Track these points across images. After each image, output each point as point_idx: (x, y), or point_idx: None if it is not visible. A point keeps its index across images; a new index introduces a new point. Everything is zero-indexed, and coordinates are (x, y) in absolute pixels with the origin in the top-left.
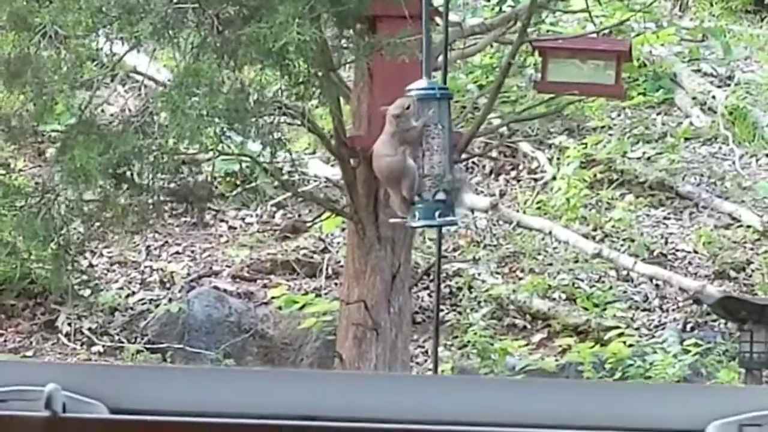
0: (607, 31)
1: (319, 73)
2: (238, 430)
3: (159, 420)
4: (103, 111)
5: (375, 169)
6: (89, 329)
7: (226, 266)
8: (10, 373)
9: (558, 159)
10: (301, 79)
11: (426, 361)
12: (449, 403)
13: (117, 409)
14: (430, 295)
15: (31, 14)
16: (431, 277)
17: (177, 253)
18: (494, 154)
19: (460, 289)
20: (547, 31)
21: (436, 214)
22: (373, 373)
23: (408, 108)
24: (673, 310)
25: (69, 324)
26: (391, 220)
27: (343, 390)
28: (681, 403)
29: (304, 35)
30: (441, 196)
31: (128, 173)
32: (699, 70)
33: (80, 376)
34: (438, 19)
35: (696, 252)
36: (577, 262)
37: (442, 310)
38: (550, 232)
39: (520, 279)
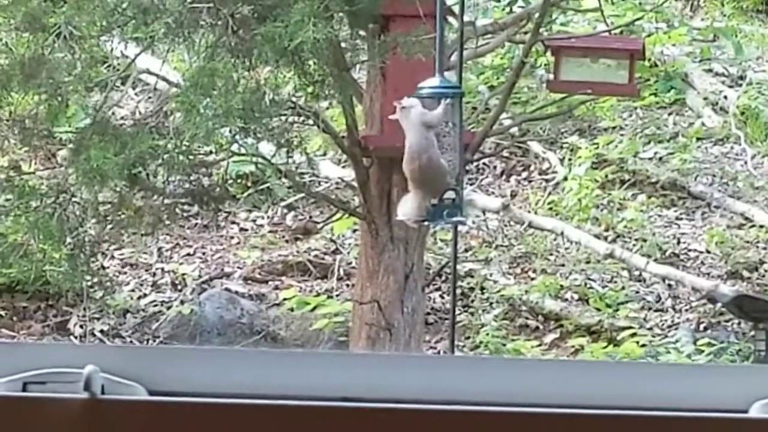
0: (618, 31)
1: (333, 73)
2: (279, 412)
3: (198, 401)
4: (114, 114)
5: (414, 168)
6: (101, 331)
7: (238, 268)
8: (49, 355)
9: (569, 159)
10: (315, 79)
11: None
12: (496, 383)
13: (156, 390)
14: (442, 296)
15: (45, 15)
16: (443, 278)
17: (188, 255)
18: (505, 154)
19: (472, 289)
20: (558, 31)
21: (445, 213)
22: (413, 354)
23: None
24: (686, 310)
25: (81, 326)
26: (398, 218)
27: (382, 371)
28: (723, 383)
29: (319, 34)
30: (450, 194)
31: (143, 174)
32: (710, 70)
33: (118, 358)
34: (451, 19)
35: (708, 252)
36: (589, 262)
37: None
38: (562, 233)
39: (532, 279)
